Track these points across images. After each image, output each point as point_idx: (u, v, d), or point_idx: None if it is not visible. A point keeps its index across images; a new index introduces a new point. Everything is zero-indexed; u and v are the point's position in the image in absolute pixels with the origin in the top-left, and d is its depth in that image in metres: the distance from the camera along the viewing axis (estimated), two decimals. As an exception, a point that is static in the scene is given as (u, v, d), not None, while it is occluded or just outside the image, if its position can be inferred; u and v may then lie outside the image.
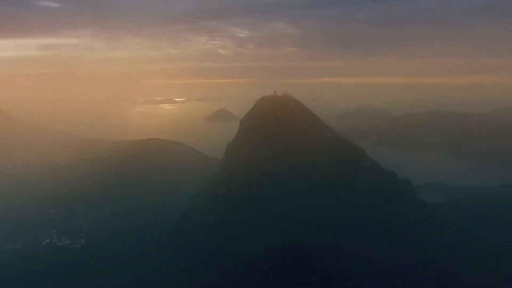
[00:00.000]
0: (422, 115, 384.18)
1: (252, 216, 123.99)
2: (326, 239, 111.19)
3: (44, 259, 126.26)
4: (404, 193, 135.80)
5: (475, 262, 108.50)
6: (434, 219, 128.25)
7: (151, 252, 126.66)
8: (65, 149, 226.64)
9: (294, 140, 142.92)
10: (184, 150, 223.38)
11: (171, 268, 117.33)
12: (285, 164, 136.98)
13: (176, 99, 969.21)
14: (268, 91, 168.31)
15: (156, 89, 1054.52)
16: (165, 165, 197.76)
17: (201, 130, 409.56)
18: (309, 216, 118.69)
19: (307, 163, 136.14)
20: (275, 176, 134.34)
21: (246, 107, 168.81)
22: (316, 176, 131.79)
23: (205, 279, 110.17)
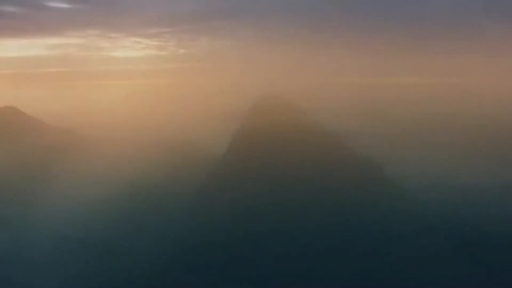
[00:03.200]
0: (422, 115, 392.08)
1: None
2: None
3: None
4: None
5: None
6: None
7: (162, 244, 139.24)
8: (81, 148, 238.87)
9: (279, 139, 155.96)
10: (193, 149, 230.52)
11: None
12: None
13: (184, 98, 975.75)
14: (275, 91, 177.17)
15: (163, 88, 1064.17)
16: (173, 164, 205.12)
17: (211, 129, 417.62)
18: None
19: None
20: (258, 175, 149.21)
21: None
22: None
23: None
